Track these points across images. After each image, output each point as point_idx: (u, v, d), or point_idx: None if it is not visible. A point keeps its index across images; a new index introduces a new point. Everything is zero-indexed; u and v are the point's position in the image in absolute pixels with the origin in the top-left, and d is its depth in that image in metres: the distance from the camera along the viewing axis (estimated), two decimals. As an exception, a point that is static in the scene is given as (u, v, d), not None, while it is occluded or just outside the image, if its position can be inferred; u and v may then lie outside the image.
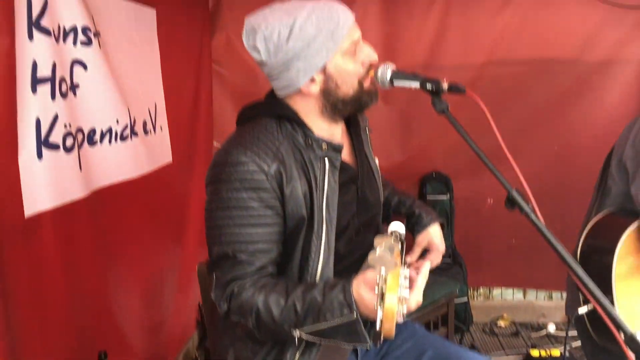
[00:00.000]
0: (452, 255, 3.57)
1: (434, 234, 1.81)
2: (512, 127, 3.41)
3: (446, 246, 3.61)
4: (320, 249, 1.45)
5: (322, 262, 1.45)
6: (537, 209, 1.24)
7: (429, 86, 1.38)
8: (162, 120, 2.64)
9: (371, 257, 1.04)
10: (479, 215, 3.61)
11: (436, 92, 1.38)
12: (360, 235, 1.60)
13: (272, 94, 1.57)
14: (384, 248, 1.05)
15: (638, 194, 1.85)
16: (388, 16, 3.36)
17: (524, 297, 3.86)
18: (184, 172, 2.93)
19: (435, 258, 1.79)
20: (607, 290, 1.79)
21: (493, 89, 3.38)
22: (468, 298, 3.57)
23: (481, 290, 3.88)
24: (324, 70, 1.44)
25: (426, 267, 1.33)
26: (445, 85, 1.37)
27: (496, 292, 3.88)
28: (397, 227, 1.43)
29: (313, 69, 1.42)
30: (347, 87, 1.47)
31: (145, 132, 2.43)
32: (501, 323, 3.75)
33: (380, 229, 1.72)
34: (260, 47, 1.41)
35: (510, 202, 1.24)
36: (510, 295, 3.87)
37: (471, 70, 3.39)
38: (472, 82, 3.39)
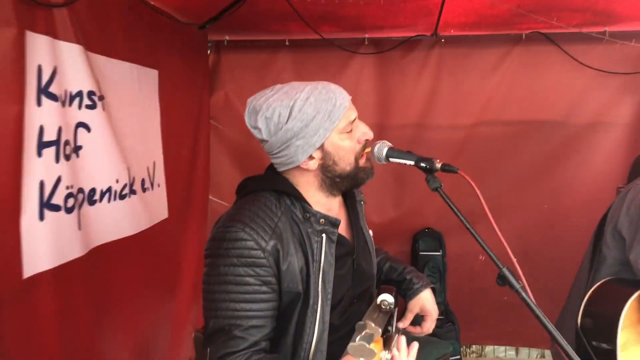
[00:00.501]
0: (444, 312, 3.58)
1: (425, 300, 1.84)
2: (502, 185, 3.51)
3: (438, 303, 3.64)
4: (315, 323, 1.47)
5: (316, 336, 1.47)
6: (527, 286, 1.28)
7: (423, 165, 1.44)
8: (160, 177, 2.69)
9: (350, 346, 1.07)
10: (471, 272, 3.64)
11: (430, 171, 1.43)
12: (354, 306, 1.62)
13: (272, 168, 1.61)
14: (363, 337, 1.08)
15: (637, 260, 1.89)
16: (382, 78, 3.49)
17: (517, 355, 3.85)
18: (179, 226, 2.96)
19: (429, 326, 1.82)
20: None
21: (483, 149, 3.50)
22: (461, 355, 3.55)
23: (474, 347, 3.86)
24: (322, 148, 1.49)
25: (414, 349, 1.35)
26: (438, 165, 1.43)
27: (489, 349, 3.87)
28: (386, 297, 1.47)
29: (311, 147, 1.48)
30: (345, 163, 1.53)
31: (144, 189, 2.48)
32: (494, 381, 3.74)
33: (373, 298, 1.75)
34: (262, 126, 1.47)
35: (501, 279, 1.28)
36: (503, 352, 3.86)
37: (462, 131, 3.50)
38: (463, 141, 3.50)
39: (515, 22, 3.24)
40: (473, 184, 1.37)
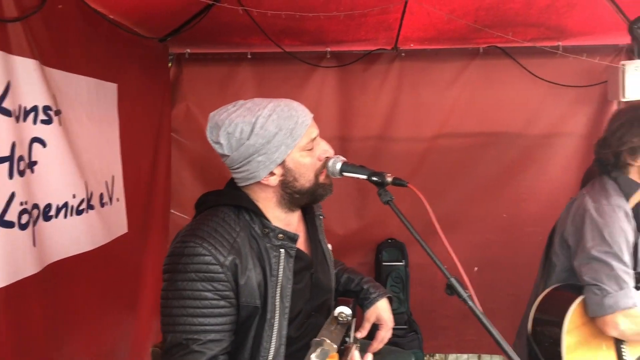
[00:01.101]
0: (407, 321, 3.61)
1: (382, 309, 1.87)
2: (462, 196, 3.60)
3: (402, 313, 3.67)
4: (272, 337, 1.48)
5: (274, 349, 1.48)
6: (474, 295, 1.32)
7: (375, 179, 1.48)
8: (119, 192, 2.66)
9: None
10: (434, 281, 3.69)
11: (381, 184, 1.47)
12: (312, 318, 1.64)
13: (232, 184, 1.62)
14: (318, 354, 1.09)
15: (580, 267, 1.97)
16: (344, 91, 3.54)
17: (479, 363, 3.92)
18: (139, 241, 2.93)
19: (385, 334, 1.84)
20: (558, 362, 1.89)
21: (444, 161, 3.58)
22: (424, 365, 3.60)
23: (437, 356, 3.91)
24: (283, 165, 1.51)
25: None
26: (389, 179, 1.47)
27: (451, 357, 3.91)
28: (343, 309, 1.49)
29: (273, 164, 1.50)
30: (305, 180, 1.55)
31: (102, 204, 2.45)
32: (457, 389, 3.78)
33: (331, 310, 1.77)
34: (224, 142, 1.48)
35: (450, 289, 1.33)
36: (466, 361, 3.92)
37: (423, 143, 3.57)
38: (424, 153, 3.57)
39: (472, 36, 3.33)
40: (422, 197, 1.41)
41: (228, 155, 1.50)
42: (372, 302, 1.86)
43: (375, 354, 2.63)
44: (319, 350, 1.10)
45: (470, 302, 1.30)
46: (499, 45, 3.43)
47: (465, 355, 3.89)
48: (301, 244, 1.66)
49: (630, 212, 2.02)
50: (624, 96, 3.27)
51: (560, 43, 3.36)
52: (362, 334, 1.81)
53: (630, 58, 3.40)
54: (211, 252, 1.42)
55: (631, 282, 1.90)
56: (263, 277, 1.49)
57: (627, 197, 2.04)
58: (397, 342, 3.40)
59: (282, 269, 1.51)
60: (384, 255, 3.66)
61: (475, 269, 3.65)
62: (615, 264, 1.88)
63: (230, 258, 1.43)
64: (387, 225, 3.69)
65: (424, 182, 3.58)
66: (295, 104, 1.54)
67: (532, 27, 3.28)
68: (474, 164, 3.60)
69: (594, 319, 1.89)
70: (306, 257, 1.66)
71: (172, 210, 3.40)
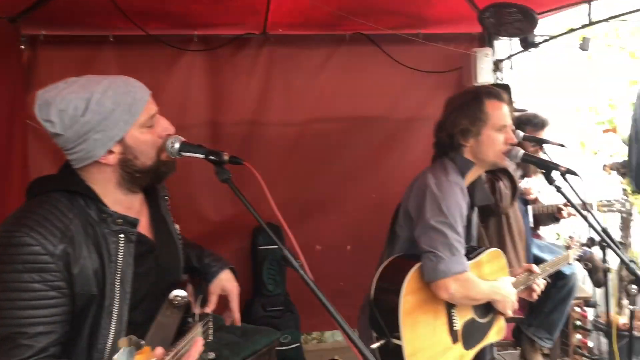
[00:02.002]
0: (284, 302, 3.69)
1: (225, 280, 1.88)
2: (335, 178, 3.72)
3: (278, 294, 3.74)
4: (110, 324, 1.45)
5: (113, 336, 1.45)
6: (305, 264, 1.40)
7: (212, 157, 1.49)
8: (-36, 183, 2.47)
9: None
10: (309, 262, 3.75)
11: (219, 163, 1.49)
12: (158, 301, 1.62)
13: (66, 167, 1.54)
14: (121, 353, 1.06)
15: (419, 236, 2.13)
16: (214, 75, 3.51)
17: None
18: (-8, 235, 2.73)
19: (235, 304, 1.86)
20: (395, 326, 2.02)
21: (316, 144, 3.68)
22: (301, 343, 3.69)
23: (314, 334, 4.03)
24: (122, 142, 1.47)
25: (198, 344, 1.40)
26: (226, 157, 1.50)
27: (328, 334, 4.05)
28: (178, 292, 1.51)
29: (111, 141, 1.45)
30: (145, 158, 1.52)
31: (-60, 197, 2.27)
32: (334, 365, 3.92)
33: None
34: (55, 119, 1.40)
35: (284, 260, 1.40)
36: (341, 336, 4.07)
37: (295, 127, 3.65)
38: (297, 138, 3.66)
39: (339, 23, 3.43)
40: (258, 177, 1.48)
41: (61, 135, 1.42)
42: (214, 275, 1.87)
43: (242, 335, 2.68)
44: (121, 350, 1.07)
45: (300, 271, 1.39)
46: (364, 32, 3.56)
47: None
48: (144, 228, 1.62)
49: (465, 189, 2.22)
50: (476, 81, 3.54)
51: (420, 31, 3.55)
52: (210, 308, 1.83)
53: (482, 45, 3.69)
54: (40, 241, 1.35)
55: (462, 250, 2.08)
56: (100, 264, 1.44)
57: (463, 175, 2.24)
58: (273, 322, 3.48)
59: (122, 254, 1.48)
60: (260, 240, 3.71)
61: (348, 247, 3.80)
62: (449, 233, 2.05)
63: (61, 247, 1.38)
64: (263, 209, 3.65)
65: (297, 165, 3.67)
66: (132, 80, 1.51)
67: (394, 15, 3.44)
68: (344, 147, 3.73)
69: (428, 284, 2.06)
70: (149, 241, 1.63)
71: (30, 202, 3.20)
